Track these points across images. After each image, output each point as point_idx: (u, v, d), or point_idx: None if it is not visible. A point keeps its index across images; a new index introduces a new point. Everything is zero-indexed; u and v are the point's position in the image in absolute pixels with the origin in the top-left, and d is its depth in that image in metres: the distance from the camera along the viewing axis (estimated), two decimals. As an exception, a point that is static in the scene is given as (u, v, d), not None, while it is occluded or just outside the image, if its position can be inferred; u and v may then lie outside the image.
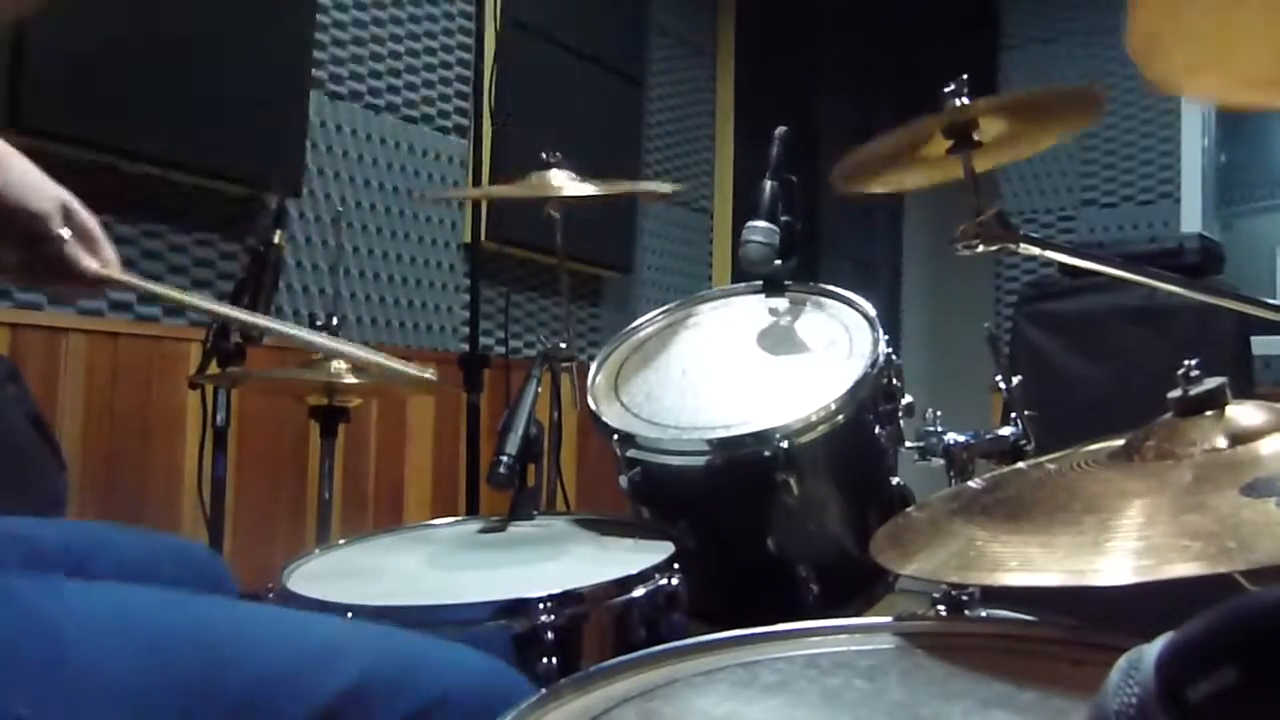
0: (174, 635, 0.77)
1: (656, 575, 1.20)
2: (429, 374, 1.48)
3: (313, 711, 0.76)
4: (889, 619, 0.94)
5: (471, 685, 0.85)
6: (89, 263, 1.12)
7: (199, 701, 0.74)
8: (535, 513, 1.54)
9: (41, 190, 1.07)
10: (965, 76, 1.41)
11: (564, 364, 1.81)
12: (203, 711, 0.74)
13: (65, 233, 1.09)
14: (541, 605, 1.08)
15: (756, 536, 1.47)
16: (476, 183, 2.96)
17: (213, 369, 1.96)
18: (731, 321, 1.69)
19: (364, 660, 0.80)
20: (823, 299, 1.65)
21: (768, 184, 1.61)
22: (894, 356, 1.51)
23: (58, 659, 0.71)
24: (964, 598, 1.27)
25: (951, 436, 1.42)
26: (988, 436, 1.43)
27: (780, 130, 1.66)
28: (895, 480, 1.55)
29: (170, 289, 1.41)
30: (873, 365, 1.45)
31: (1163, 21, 0.74)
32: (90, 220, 1.13)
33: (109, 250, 1.15)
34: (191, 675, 0.75)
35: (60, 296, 1.15)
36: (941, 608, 1.28)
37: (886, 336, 1.50)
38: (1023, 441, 1.41)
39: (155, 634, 0.76)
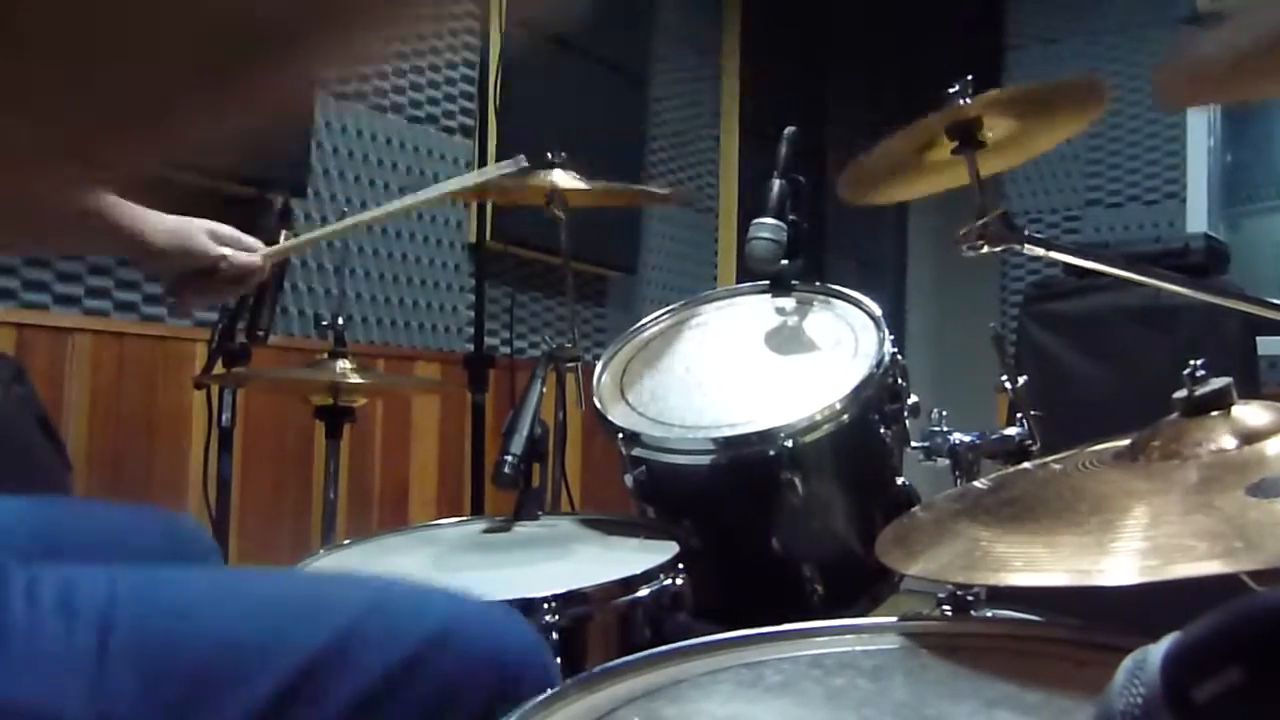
0: (127, 605, 0.75)
1: (661, 575, 1.20)
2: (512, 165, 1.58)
3: (288, 672, 0.74)
4: (894, 619, 0.94)
5: (470, 625, 0.83)
6: (251, 260, 1.32)
7: (159, 672, 0.72)
8: (540, 513, 1.54)
9: (188, 230, 1.27)
10: (970, 76, 1.41)
11: (569, 364, 1.81)
12: (164, 682, 0.72)
13: (225, 251, 1.29)
14: (546, 605, 1.09)
15: (761, 536, 1.46)
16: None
17: (218, 369, 1.97)
18: (737, 321, 1.69)
19: (348, 612, 0.78)
20: (828, 299, 1.65)
21: (776, 183, 1.61)
22: (899, 356, 1.51)
23: (1, 637, 0.70)
24: (969, 598, 1.27)
25: (957, 436, 1.41)
26: (993, 436, 1.42)
27: (789, 130, 1.67)
28: (900, 480, 1.55)
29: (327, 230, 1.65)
30: (878, 365, 1.45)
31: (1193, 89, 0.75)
32: (225, 227, 1.31)
33: (250, 239, 1.34)
34: (149, 645, 0.73)
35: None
36: (946, 608, 1.27)
37: (892, 336, 1.50)
38: (1028, 441, 1.41)
39: (105, 606, 0.74)
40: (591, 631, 1.16)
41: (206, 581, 0.84)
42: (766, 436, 1.38)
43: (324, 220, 2.83)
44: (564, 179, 1.95)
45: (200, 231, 1.28)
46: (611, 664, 0.85)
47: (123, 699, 0.71)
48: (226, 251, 1.30)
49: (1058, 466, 1.02)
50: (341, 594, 0.83)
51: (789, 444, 1.37)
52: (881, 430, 1.50)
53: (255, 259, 1.33)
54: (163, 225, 1.25)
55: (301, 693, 0.74)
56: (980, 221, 1.40)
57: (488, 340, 2.82)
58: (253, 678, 0.74)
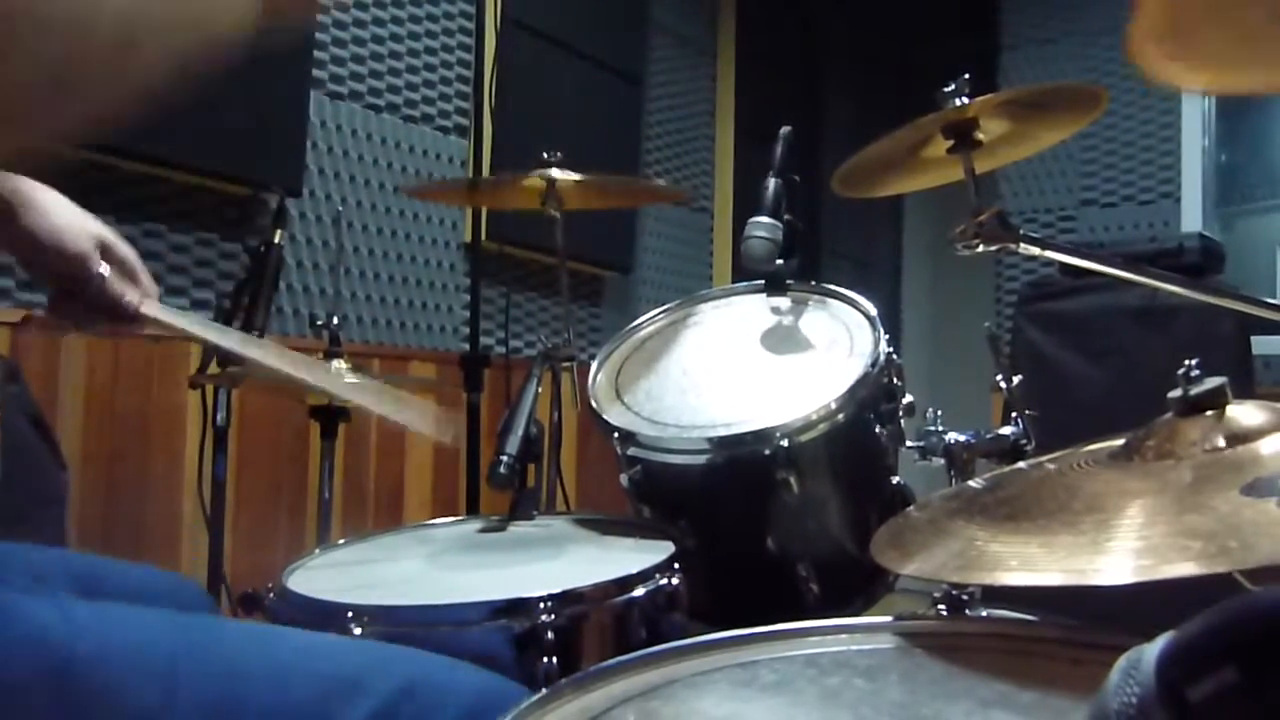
0: (190, 661, 0.76)
1: (657, 575, 1.20)
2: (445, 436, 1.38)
3: None
4: (889, 619, 0.94)
5: (498, 707, 0.85)
6: (130, 296, 1.11)
7: None
8: (535, 512, 1.54)
9: (78, 230, 1.06)
10: (966, 76, 1.41)
11: (564, 364, 1.81)
12: None
13: (105, 269, 1.08)
14: (541, 605, 1.08)
15: (757, 536, 1.47)
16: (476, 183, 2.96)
17: (213, 369, 1.97)
18: (732, 320, 1.69)
19: (385, 690, 0.80)
20: (824, 298, 1.65)
21: (771, 182, 1.62)
22: (894, 356, 1.51)
23: (68, 682, 0.70)
24: (964, 597, 1.27)
25: (952, 436, 1.41)
26: (988, 436, 1.43)
27: (784, 130, 1.67)
28: (895, 479, 1.55)
29: (205, 329, 1.36)
30: (873, 364, 1.45)
31: (1165, 25, 0.74)
32: (128, 252, 1.11)
33: (147, 280, 1.14)
34: (209, 703, 0.74)
35: (101, 334, 1.09)
36: (941, 607, 1.27)
37: (887, 336, 1.50)
38: (1023, 441, 1.41)
39: (171, 659, 0.75)
40: (587, 631, 1.15)
41: (257, 644, 0.85)
42: (762, 436, 1.38)
43: (319, 220, 2.82)
44: (560, 178, 1.95)
45: (86, 236, 1.07)
46: (607, 663, 0.85)
47: None
48: (105, 271, 1.08)
49: (1052, 466, 1.03)
50: (380, 669, 0.84)
51: (784, 443, 1.36)
52: (877, 430, 1.51)
53: (133, 299, 1.11)
54: (51, 215, 1.04)
55: None
56: (976, 220, 1.40)
57: (483, 340, 2.81)
58: None
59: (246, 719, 0.75)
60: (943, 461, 1.42)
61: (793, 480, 1.38)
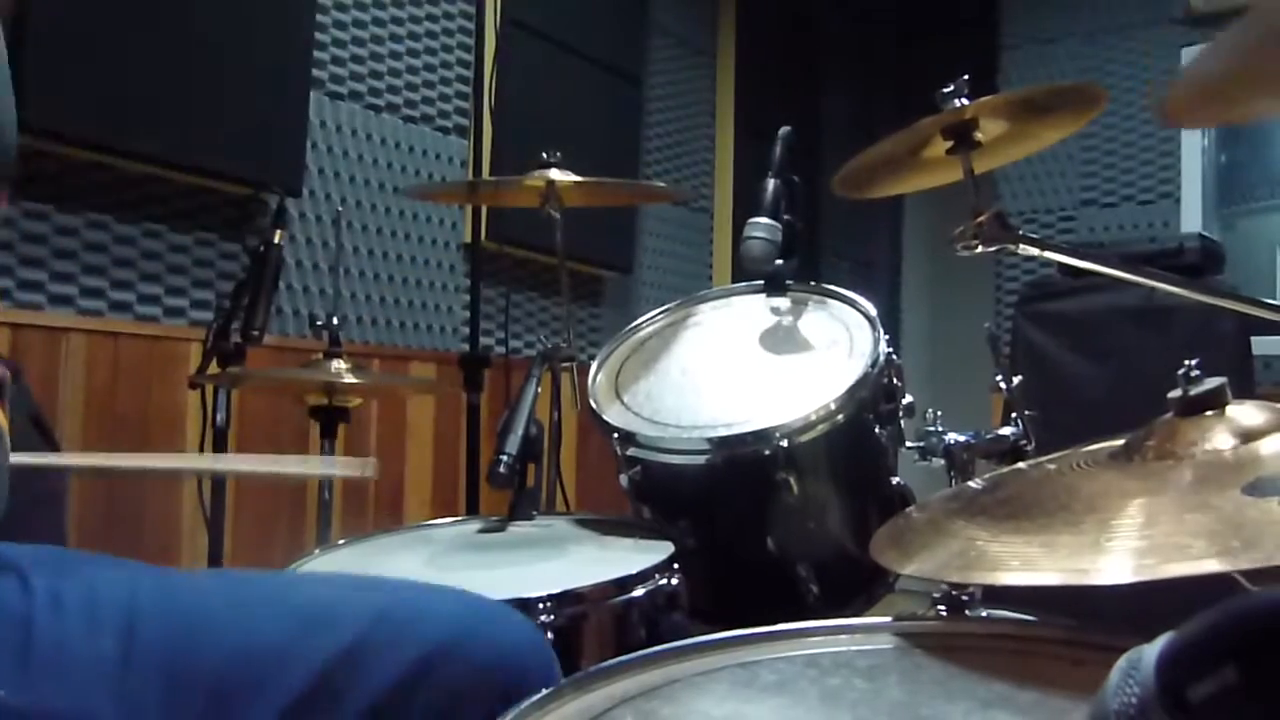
0: (149, 610, 0.75)
1: (656, 575, 1.20)
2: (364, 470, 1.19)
3: (303, 681, 0.75)
4: (889, 619, 0.94)
5: (475, 628, 0.84)
6: None
7: (181, 680, 0.73)
8: (535, 513, 1.54)
9: None
10: (965, 77, 1.41)
11: (564, 364, 1.81)
12: (185, 690, 0.73)
13: None
14: (541, 605, 1.09)
15: (756, 536, 1.47)
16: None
17: (213, 369, 1.97)
18: (732, 321, 1.69)
19: (357, 620, 0.79)
20: (823, 299, 1.65)
21: (771, 182, 1.62)
22: (894, 356, 1.51)
23: (27, 641, 0.70)
24: (964, 598, 1.27)
25: (952, 436, 1.42)
26: (988, 436, 1.43)
27: (784, 130, 1.67)
28: (895, 480, 1.55)
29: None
30: (873, 365, 1.45)
31: (1206, 98, 0.75)
32: None
33: None
34: (171, 652, 0.73)
35: None
36: (942, 608, 1.27)
37: (887, 336, 1.50)
38: (1023, 441, 1.41)
39: (128, 607, 0.74)
40: (587, 631, 1.15)
41: (221, 587, 0.84)
42: (762, 436, 1.38)
43: (319, 220, 2.82)
44: (559, 178, 1.95)
45: None
46: (607, 664, 0.85)
47: (147, 708, 0.71)
48: None
49: (1052, 466, 1.03)
50: (352, 600, 0.83)
51: (784, 444, 1.37)
52: (876, 430, 1.51)
53: None
54: None
55: (317, 702, 0.75)
56: (975, 221, 1.40)
57: (483, 340, 2.82)
58: (269, 688, 0.74)
59: (210, 662, 0.74)
60: (942, 462, 1.42)
61: (792, 480, 1.38)
